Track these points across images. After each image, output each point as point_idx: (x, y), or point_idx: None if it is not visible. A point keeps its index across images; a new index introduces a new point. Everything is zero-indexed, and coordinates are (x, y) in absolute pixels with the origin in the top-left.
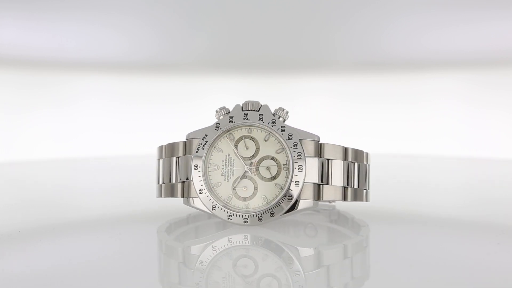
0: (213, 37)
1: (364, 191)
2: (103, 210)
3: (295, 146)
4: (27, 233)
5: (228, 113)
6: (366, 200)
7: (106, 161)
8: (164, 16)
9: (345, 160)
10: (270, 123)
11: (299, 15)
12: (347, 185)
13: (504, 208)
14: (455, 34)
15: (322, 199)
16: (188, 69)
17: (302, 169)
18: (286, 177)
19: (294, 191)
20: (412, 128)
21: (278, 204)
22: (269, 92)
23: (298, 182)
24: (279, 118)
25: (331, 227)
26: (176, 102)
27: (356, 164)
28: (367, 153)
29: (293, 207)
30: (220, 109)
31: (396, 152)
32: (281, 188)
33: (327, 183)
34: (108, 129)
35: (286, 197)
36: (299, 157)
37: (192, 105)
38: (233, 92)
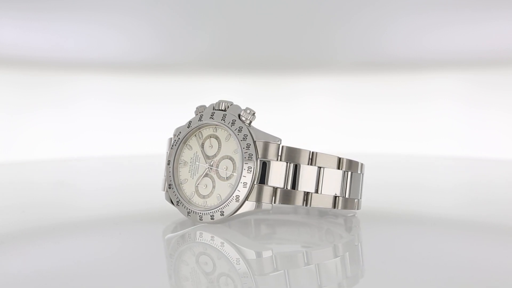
0: (213, 37)
1: (338, 197)
2: (103, 210)
3: (248, 147)
4: (27, 233)
5: (202, 111)
6: (334, 207)
7: (106, 161)
8: (164, 16)
9: (311, 164)
10: (230, 123)
11: (299, 16)
12: (317, 191)
13: (504, 208)
14: (455, 34)
15: (276, 203)
16: (188, 69)
17: (250, 171)
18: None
19: (242, 192)
20: (412, 128)
21: (227, 204)
22: (269, 92)
23: (246, 183)
24: (239, 118)
25: (323, 226)
26: (176, 102)
27: (324, 169)
28: (341, 159)
29: (242, 208)
30: (198, 107)
31: (396, 152)
32: (232, 188)
33: (294, 188)
34: (108, 129)
35: (234, 198)
36: (249, 158)
37: (192, 105)
38: (233, 92)
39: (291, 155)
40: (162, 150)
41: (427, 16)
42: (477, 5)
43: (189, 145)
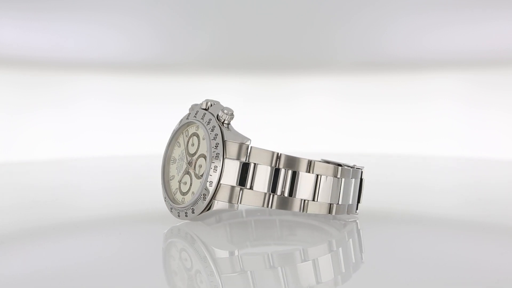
0: (213, 37)
1: (302, 200)
2: (103, 210)
3: (216, 146)
4: (27, 233)
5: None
6: (301, 210)
7: (106, 161)
8: (164, 16)
9: (272, 165)
10: (206, 122)
11: (299, 16)
12: (274, 191)
13: (504, 208)
14: (455, 34)
15: (240, 203)
16: (188, 69)
17: (216, 170)
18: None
19: (208, 191)
20: (412, 128)
21: (196, 202)
22: (269, 92)
23: (212, 182)
24: (217, 117)
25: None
26: (176, 102)
27: (290, 171)
28: (310, 161)
29: (209, 207)
30: (192, 105)
31: (396, 152)
32: (201, 187)
33: (250, 188)
34: (108, 129)
35: (202, 196)
36: (216, 157)
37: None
38: (233, 92)
39: (255, 156)
40: (162, 150)
41: (427, 16)
42: (477, 5)
43: (178, 142)
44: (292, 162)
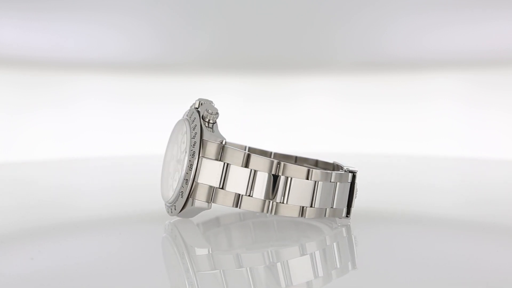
0: (213, 37)
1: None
2: (103, 210)
3: (194, 145)
4: (27, 233)
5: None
6: (272, 213)
7: (106, 161)
8: (164, 16)
9: (242, 165)
10: (192, 121)
11: (299, 15)
12: (248, 193)
13: (504, 208)
14: (455, 34)
15: (214, 202)
16: (188, 69)
17: (191, 168)
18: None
19: (185, 189)
20: (412, 128)
21: (176, 199)
22: (269, 92)
23: (188, 180)
24: (202, 117)
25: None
26: (176, 102)
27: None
28: (285, 164)
29: (187, 204)
30: (193, 103)
31: (396, 152)
32: (179, 184)
33: (223, 188)
34: (108, 129)
35: (180, 194)
36: (192, 156)
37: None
38: (233, 92)
39: (226, 155)
40: (162, 150)
41: (427, 16)
42: (477, 5)
43: (177, 139)
44: (258, 161)
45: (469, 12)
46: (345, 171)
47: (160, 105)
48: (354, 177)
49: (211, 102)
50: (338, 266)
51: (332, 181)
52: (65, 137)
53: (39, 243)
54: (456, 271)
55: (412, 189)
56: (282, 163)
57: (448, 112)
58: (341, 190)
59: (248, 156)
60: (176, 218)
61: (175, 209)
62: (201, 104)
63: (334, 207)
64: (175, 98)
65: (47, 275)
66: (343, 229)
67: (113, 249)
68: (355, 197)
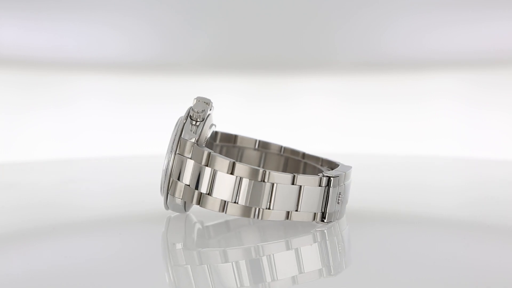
0: (213, 37)
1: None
2: (103, 210)
3: (173, 142)
4: (27, 233)
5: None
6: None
7: (106, 161)
8: (165, 16)
9: (203, 164)
10: (183, 118)
11: (299, 15)
12: (208, 192)
13: (504, 208)
14: (455, 34)
15: (182, 198)
16: (188, 69)
17: (169, 164)
18: None
19: (165, 184)
20: (412, 128)
21: (162, 194)
22: (269, 92)
23: (166, 176)
24: (189, 115)
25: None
26: (176, 102)
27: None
28: (235, 163)
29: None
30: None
31: (396, 152)
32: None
33: (196, 188)
34: (108, 129)
35: (162, 189)
36: (170, 152)
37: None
38: (233, 92)
39: (193, 155)
40: (162, 150)
41: (427, 16)
42: (477, 5)
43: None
44: (219, 162)
45: (469, 12)
46: (323, 175)
47: (160, 105)
48: (329, 181)
49: (209, 100)
50: (332, 264)
51: (296, 184)
52: (65, 137)
53: (39, 243)
54: (455, 271)
55: (412, 189)
56: (267, 171)
57: (448, 112)
58: (309, 194)
59: (208, 154)
60: (175, 214)
61: (165, 203)
62: (197, 102)
63: (299, 210)
64: (175, 98)
65: (47, 275)
66: (343, 229)
67: (113, 249)
68: (338, 200)
